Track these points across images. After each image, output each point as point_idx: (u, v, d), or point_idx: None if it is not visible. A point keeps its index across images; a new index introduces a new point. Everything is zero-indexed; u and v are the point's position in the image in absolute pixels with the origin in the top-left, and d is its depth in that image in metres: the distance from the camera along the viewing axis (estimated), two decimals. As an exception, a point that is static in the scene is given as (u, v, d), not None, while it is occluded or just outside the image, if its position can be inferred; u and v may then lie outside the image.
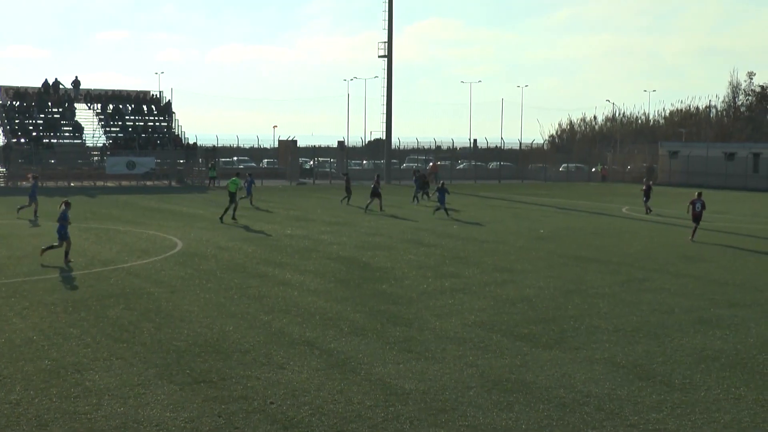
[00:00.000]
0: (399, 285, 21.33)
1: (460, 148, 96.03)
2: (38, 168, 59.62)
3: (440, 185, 41.03)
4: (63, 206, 24.16)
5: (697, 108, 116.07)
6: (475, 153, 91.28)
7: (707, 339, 15.99)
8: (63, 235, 23.70)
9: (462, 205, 46.50)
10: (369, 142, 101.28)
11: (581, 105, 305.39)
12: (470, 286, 21.19)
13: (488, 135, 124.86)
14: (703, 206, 32.55)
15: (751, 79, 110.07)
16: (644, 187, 45.12)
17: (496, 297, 19.86)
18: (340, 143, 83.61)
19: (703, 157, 76.75)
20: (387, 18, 73.03)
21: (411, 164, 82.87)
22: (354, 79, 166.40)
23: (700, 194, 33.26)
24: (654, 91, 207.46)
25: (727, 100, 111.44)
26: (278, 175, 74.47)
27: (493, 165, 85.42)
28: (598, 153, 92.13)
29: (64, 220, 23.74)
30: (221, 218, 36.54)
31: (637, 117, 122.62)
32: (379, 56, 74.60)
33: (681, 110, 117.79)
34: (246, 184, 44.97)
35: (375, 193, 43.28)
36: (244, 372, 13.33)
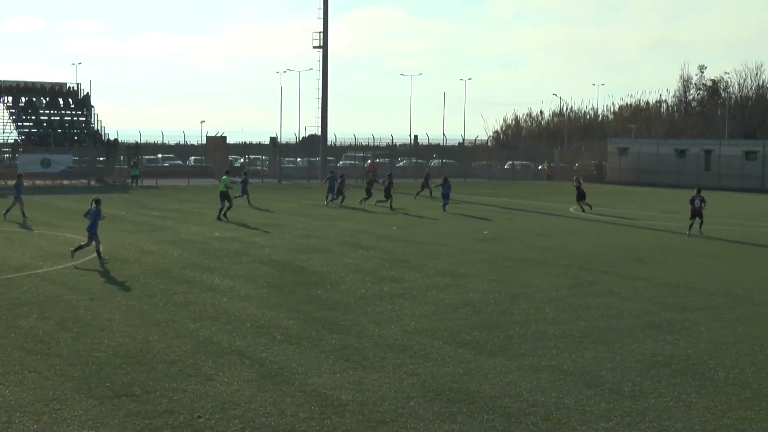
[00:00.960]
0: (335, 290, 21.33)
1: (399, 145, 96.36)
2: None
3: (443, 180, 45.40)
4: (93, 204, 25.30)
5: (648, 103, 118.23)
6: (415, 150, 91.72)
7: (658, 344, 16.27)
8: (92, 234, 24.87)
9: (402, 206, 46.65)
10: (303, 138, 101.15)
11: (527, 99, 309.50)
12: (411, 291, 21.28)
13: (429, 131, 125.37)
14: (703, 201, 34.74)
15: (702, 72, 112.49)
16: (576, 185, 46.43)
17: (438, 302, 19.97)
18: (273, 139, 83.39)
19: (654, 154, 78.07)
20: (322, 6, 72.97)
21: (348, 161, 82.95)
22: (287, 72, 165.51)
23: (699, 190, 35.31)
24: (603, 84, 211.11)
25: (678, 94, 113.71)
26: (206, 173, 73.93)
27: (434, 162, 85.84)
28: (545, 150, 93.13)
29: (95, 218, 24.93)
30: (219, 217, 38.30)
31: (585, 112, 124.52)
32: (314, 47, 74.50)
33: (631, 105, 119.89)
34: (241, 183, 46.26)
35: (387, 192, 45.96)
36: (170, 384, 13.21)
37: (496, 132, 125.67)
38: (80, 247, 25.17)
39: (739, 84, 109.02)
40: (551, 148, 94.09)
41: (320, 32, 73.68)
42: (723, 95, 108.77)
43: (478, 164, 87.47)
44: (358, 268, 24.82)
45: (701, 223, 34.72)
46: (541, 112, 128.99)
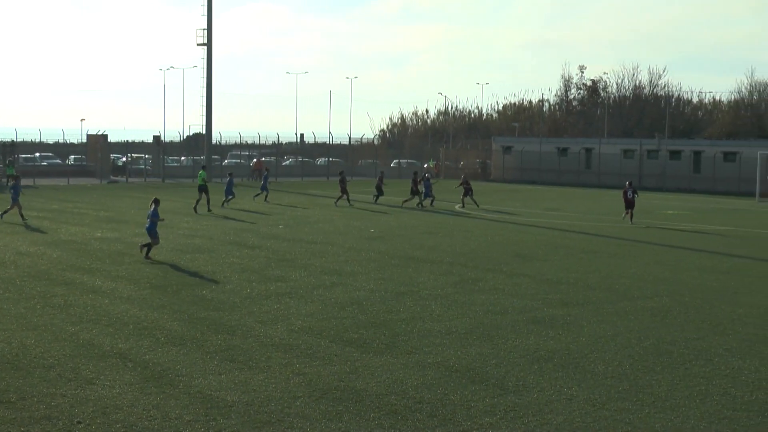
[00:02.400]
0: (221, 290, 21.13)
1: (285, 143, 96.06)
2: None
3: (425, 176, 47.09)
4: (153, 205, 26.32)
5: (530, 102, 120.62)
6: (302, 148, 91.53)
7: (541, 339, 16.62)
8: (153, 234, 25.78)
9: (289, 204, 46.48)
10: (188, 136, 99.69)
11: (413, 98, 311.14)
12: (297, 290, 21.23)
13: (316, 129, 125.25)
14: (635, 193, 39.89)
15: (583, 72, 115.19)
16: (462, 183, 47.94)
17: (324, 301, 19.98)
18: (156, 138, 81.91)
19: (537, 152, 79.68)
20: (206, 3, 72.10)
21: (233, 160, 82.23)
22: (171, 69, 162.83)
23: (630, 183, 40.37)
24: (487, 83, 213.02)
25: (559, 94, 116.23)
26: (87, 172, 72.25)
27: (321, 161, 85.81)
28: (431, 148, 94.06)
29: (154, 218, 25.84)
30: (209, 209, 41.25)
31: (470, 111, 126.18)
32: (198, 44, 73.62)
33: (514, 104, 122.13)
34: (262, 179, 48.88)
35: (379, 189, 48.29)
36: (48, 389, 12.88)
37: (383, 131, 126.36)
38: (149, 246, 25.94)
39: (617, 84, 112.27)
40: (437, 146, 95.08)
41: (204, 29, 72.86)
42: (602, 95, 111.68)
43: (364, 163, 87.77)
44: (243, 267, 24.64)
45: (632, 214, 39.63)
46: (427, 111, 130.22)
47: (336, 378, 13.78)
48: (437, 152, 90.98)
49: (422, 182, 47.73)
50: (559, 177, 76.59)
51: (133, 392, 12.85)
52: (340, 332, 16.91)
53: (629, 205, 39.68)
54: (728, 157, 68.92)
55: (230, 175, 47.13)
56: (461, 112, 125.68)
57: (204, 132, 75.46)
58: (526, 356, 15.33)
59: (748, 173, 63.18)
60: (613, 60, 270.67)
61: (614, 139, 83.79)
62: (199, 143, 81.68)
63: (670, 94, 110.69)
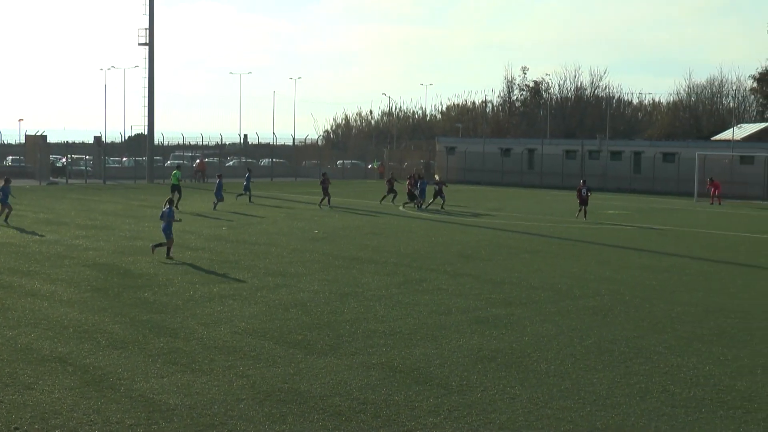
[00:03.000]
0: (163, 292, 20.94)
1: (229, 144, 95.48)
2: None
3: (420, 178, 48.02)
4: (167, 205, 26.83)
5: (474, 103, 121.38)
6: (245, 149, 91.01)
7: (484, 339, 16.71)
8: (168, 234, 26.31)
9: (231, 206, 46.20)
10: (129, 137, 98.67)
11: (357, 99, 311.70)
12: (240, 292, 21.11)
13: (260, 130, 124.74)
14: (589, 191, 42.03)
15: (525, 74, 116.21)
16: (388, 183, 49.69)
17: (268, 302, 19.89)
18: (97, 138, 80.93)
19: (480, 153, 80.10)
20: (147, 2, 71.39)
21: (176, 161, 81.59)
22: (112, 69, 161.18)
23: (584, 182, 42.80)
24: (431, 84, 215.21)
25: (502, 95, 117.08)
26: (26, 174, 71.06)
27: (264, 162, 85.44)
28: (375, 149, 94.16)
29: (170, 218, 26.46)
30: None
31: (414, 111, 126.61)
32: (140, 44, 72.89)
33: (458, 105, 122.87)
34: (245, 181, 49.93)
35: (391, 189, 49.18)
36: (-14, 395, 12.65)
37: (327, 131, 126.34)
38: (160, 245, 26.59)
39: (559, 85, 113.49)
40: (381, 147, 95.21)
41: (146, 29, 72.15)
42: (544, 96, 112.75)
43: (308, 164, 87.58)
44: (186, 269, 24.44)
45: (586, 211, 41.45)
46: (371, 112, 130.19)
47: (280, 380, 13.72)
48: (381, 153, 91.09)
49: (418, 184, 47.99)
50: (503, 177, 77.13)
51: (73, 397, 12.67)
52: (284, 334, 16.85)
53: (583, 202, 41.47)
54: (667, 157, 69.92)
55: (219, 177, 46.75)
56: (405, 112, 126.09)
57: (146, 132, 74.72)
58: (470, 356, 15.41)
59: (687, 173, 64.15)
60: (556, 62, 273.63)
61: (556, 139, 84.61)
62: (140, 144, 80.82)
63: (611, 95, 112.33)
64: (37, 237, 31.35)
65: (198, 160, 76.49)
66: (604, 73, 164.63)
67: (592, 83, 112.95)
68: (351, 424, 11.78)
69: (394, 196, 50.47)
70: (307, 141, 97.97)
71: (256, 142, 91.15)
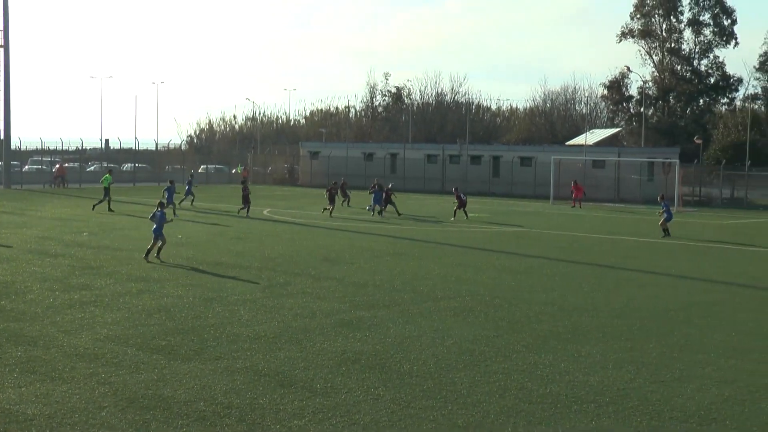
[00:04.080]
0: (21, 300, 20.28)
1: (90, 149, 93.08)
2: None
3: (374, 185, 48.13)
4: (158, 208, 27.43)
5: (337, 108, 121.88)
6: (107, 154, 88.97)
7: (348, 341, 16.79)
8: (159, 235, 26.84)
9: (92, 212, 45.08)
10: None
11: (221, 104, 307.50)
12: (102, 298, 20.64)
13: (122, 135, 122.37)
14: (465, 194, 45.56)
15: (388, 80, 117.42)
16: (328, 193, 48.72)
17: (131, 308, 19.51)
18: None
19: (344, 157, 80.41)
20: (2, 2, 68.92)
21: (34, 166, 79.04)
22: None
23: (457, 188, 46.33)
24: (295, 90, 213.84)
25: (365, 100, 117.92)
26: None
27: (127, 167, 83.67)
28: (239, 154, 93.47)
29: (161, 221, 26.99)
30: (94, 206, 45.07)
31: (277, 116, 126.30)
32: (-5, 45, 70.27)
33: (321, 110, 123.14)
34: (186, 185, 50.75)
35: (388, 200, 48.45)
36: None
37: (190, 136, 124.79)
38: (149, 251, 27.00)
39: (420, 91, 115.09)
40: (245, 152, 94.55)
41: (0, 30, 69.62)
42: (406, 102, 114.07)
43: (171, 168, 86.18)
44: (45, 276, 23.73)
45: (465, 212, 44.69)
46: (235, 117, 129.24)
47: (143, 386, 13.48)
48: (245, 157, 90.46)
49: (372, 193, 47.86)
50: (366, 182, 77.50)
51: (-75, 409, 12.15)
52: (147, 340, 16.56)
53: (462, 204, 44.80)
54: (524, 161, 71.63)
55: (171, 182, 46.31)
56: (269, 117, 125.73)
57: (2, 137, 72.09)
58: (334, 358, 15.46)
59: (543, 177, 65.92)
60: (417, 68, 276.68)
61: (418, 144, 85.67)
62: (-4, 148, 77.87)
63: (471, 101, 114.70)
64: None
65: (58, 165, 74.27)
66: (464, 79, 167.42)
67: (452, 89, 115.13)
68: (216, 429, 11.67)
69: (347, 201, 52.65)
70: (170, 146, 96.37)
71: (118, 146, 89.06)
